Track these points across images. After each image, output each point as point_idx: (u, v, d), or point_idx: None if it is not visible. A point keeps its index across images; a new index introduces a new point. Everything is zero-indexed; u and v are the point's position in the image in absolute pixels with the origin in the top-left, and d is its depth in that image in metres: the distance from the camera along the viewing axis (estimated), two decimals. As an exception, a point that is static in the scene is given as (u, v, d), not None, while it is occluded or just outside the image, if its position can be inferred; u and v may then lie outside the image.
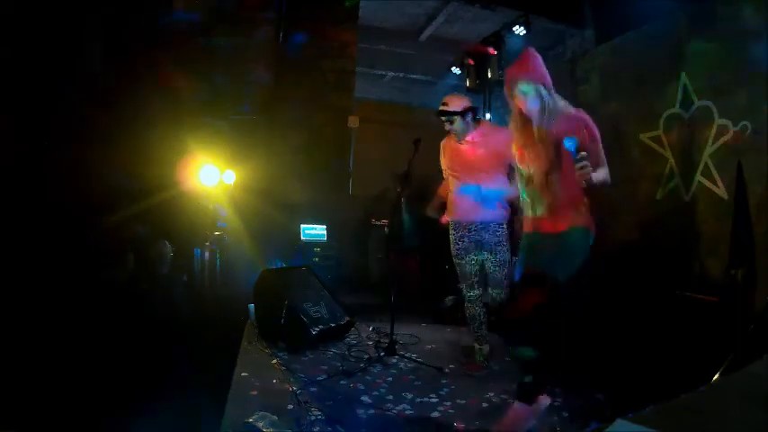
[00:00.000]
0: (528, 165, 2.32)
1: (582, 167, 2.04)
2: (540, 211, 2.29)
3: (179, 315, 3.70)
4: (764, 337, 2.73)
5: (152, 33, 4.32)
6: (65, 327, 2.91)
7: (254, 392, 2.69)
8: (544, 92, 2.26)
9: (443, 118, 3.19)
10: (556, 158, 2.21)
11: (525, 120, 2.34)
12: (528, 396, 2.24)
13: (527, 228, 2.41)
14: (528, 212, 2.37)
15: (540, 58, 2.35)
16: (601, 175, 2.18)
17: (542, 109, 2.26)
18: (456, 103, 3.18)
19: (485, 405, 2.67)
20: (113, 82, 4.07)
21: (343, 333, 3.85)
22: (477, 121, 3.25)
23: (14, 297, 2.98)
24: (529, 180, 2.33)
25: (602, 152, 2.24)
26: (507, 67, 2.47)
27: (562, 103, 2.31)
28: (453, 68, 6.99)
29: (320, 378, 2.93)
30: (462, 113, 3.15)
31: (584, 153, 2.06)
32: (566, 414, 2.51)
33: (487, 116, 5.76)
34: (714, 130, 3.98)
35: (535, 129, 2.29)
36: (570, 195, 2.23)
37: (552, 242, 2.26)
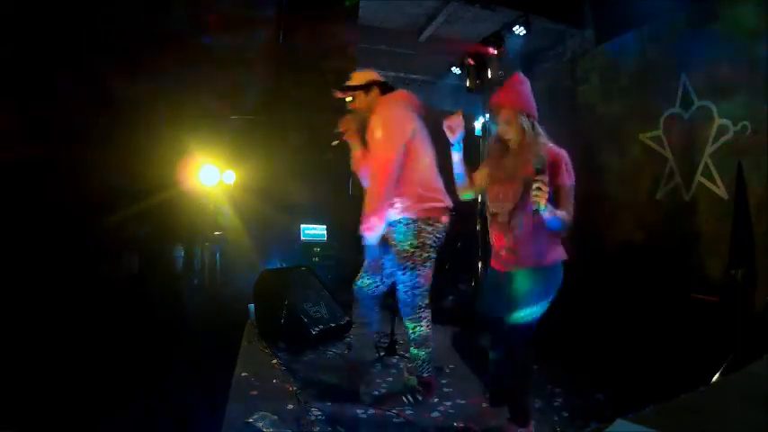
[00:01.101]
0: (494, 202, 2.25)
1: (537, 188, 1.89)
2: (510, 248, 2.19)
3: (181, 315, 3.71)
4: (764, 337, 2.73)
5: (152, 33, 4.32)
6: (65, 327, 2.91)
7: (254, 392, 2.69)
8: (527, 123, 2.16)
9: (346, 98, 2.80)
10: (522, 198, 2.10)
11: (502, 151, 2.28)
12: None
13: (491, 263, 2.35)
14: (496, 248, 2.29)
15: (527, 85, 2.24)
16: (559, 213, 2.01)
17: (520, 141, 2.17)
18: (359, 78, 2.79)
19: (485, 405, 2.67)
20: (113, 82, 4.07)
21: (343, 333, 3.85)
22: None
23: (14, 297, 2.99)
24: (494, 217, 2.26)
25: (570, 197, 2.09)
26: (494, 93, 2.33)
27: (543, 139, 2.16)
28: (453, 68, 6.98)
29: (320, 378, 2.92)
30: (365, 88, 2.75)
31: (543, 176, 1.92)
32: (566, 414, 2.51)
33: (487, 116, 5.75)
34: (714, 130, 3.98)
35: (508, 162, 2.22)
36: (535, 235, 2.12)
37: (508, 281, 2.20)
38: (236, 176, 4.37)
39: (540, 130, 2.18)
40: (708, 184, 4.03)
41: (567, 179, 2.10)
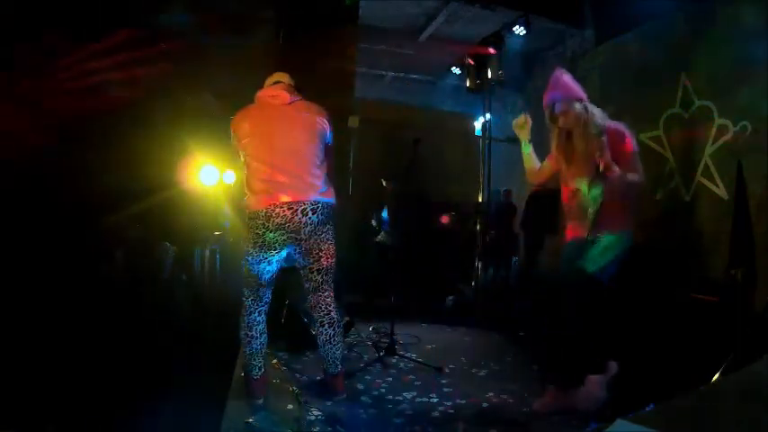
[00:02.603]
0: (574, 178, 2.54)
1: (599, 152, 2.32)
2: (585, 220, 2.49)
3: (180, 315, 3.70)
4: (764, 337, 2.73)
5: (152, 33, 4.32)
6: (64, 327, 2.91)
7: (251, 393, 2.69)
8: (579, 107, 2.48)
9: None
10: (596, 171, 2.35)
11: (566, 137, 2.56)
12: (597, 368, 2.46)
13: (570, 235, 2.65)
14: (577, 220, 2.59)
15: (569, 75, 2.57)
16: (629, 176, 2.37)
17: (581, 123, 2.48)
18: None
19: (485, 405, 2.67)
20: (113, 82, 4.07)
21: (343, 333, 3.85)
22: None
23: (14, 297, 2.99)
24: (576, 192, 2.55)
25: (635, 162, 2.44)
26: (544, 92, 2.63)
27: (599, 115, 2.51)
28: (453, 68, 6.99)
29: (320, 378, 2.92)
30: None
31: (603, 140, 2.38)
32: (566, 414, 2.51)
33: (487, 116, 5.75)
34: (714, 130, 3.98)
35: (578, 144, 2.50)
36: (612, 205, 2.41)
37: (591, 246, 2.48)
38: (236, 176, 4.37)
39: (592, 109, 2.52)
40: (708, 184, 4.03)
41: (628, 147, 2.44)
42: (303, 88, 2.76)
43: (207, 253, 4.16)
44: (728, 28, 3.83)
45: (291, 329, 3.49)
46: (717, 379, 2.46)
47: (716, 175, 3.96)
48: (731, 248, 3.34)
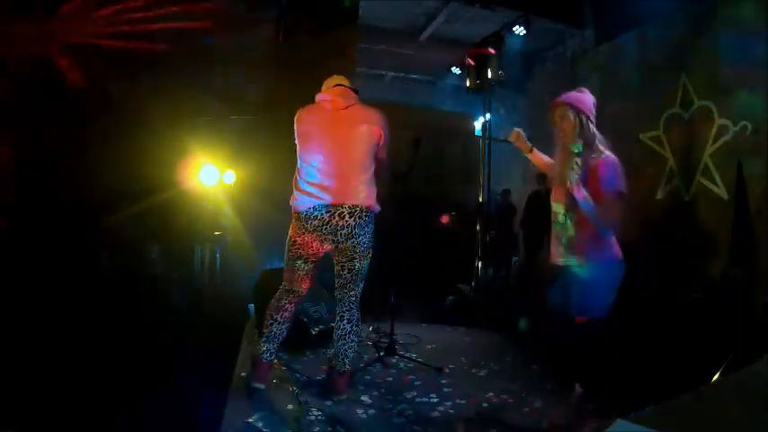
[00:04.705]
0: (556, 202, 2.41)
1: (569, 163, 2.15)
2: (565, 244, 2.35)
3: (181, 315, 3.70)
4: (764, 337, 2.73)
5: (152, 33, 4.32)
6: (64, 327, 2.91)
7: (255, 392, 2.69)
8: (576, 117, 2.34)
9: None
10: (571, 196, 2.23)
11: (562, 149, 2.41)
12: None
13: (553, 260, 2.49)
14: (554, 245, 2.45)
15: (586, 92, 2.49)
16: (596, 207, 2.19)
17: (569, 134, 2.32)
18: None
19: (485, 405, 2.67)
20: (114, 82, 4.07)
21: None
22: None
23: (13, 297, 2.99)
24: (555, 216, 2.41)
25: (611, 207, 2.24)
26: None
27: (596, 138, 2.33)
28: (453, 68, 6.98)
29: (320, 378, 2.92)
30: None
31: (577, 158, 2.17)
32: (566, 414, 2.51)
33: (487, 116, 5.75)
34: (714, 130, 3.98)
35: (559, 159, 2.37)
36: (590, 233, 2.27)
37: (572, 275, 2.35)
38: (236, 176, 4.37)
39: (592, 129, 2.34)
40: (708, 184, 4.03)
41: (606, 185, 2.21)
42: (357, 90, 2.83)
43: (207, 253, 4.16)
44: (728, 28, 3.83)
45: (291, 329, 3.48)
46: (717, 379, 2.46)
47: (716, 175, 3.96)
48: (731, 248, 3.35)
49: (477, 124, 6.15)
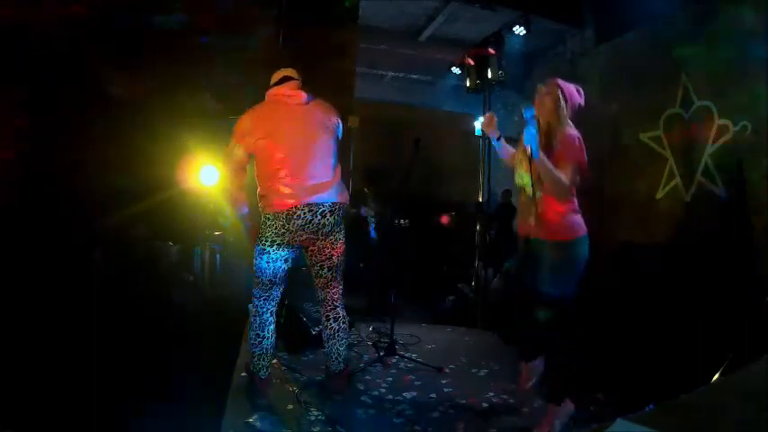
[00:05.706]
0: (521, 175, 2.39)
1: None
2: (532, 220, 2.32)
3: (181, 315, 3.70)
4: (764, 337, 2.73)
5: (152, 33, 4.32)
6: (63, 327, 2.91)
7: (255, 392, 2.69)
8: (558, 98, 2.34)
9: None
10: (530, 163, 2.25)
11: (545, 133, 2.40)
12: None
13: (521, 233, 2.46)
14: (523, 217, 2.43)
15: (581, 95, 2.44)
16: (555, 170, 2.19)
17: (555, 111, 2.33)
18: None
19: (485, 405, 2.67)
20: (114, 82, 4.07)
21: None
22: None
23: (13, 296, 2.99)
24: (521, 190, 2.41)
25: (569, 166, 2.24)
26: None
27: (569, 123, 2.34)
28: (453, 68, 6.98)
29: (320, 378, 2.92)
30: None
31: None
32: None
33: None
34: (714, 130, 3.98)
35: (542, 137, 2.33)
36: (557, 209, 2.29)
37: (543, 252, 2.33)
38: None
39: (568, 115, 2.35)
40: (708, 184, 4.03)
41: (566, 153, 2.26)
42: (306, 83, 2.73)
43: (207, 253, 4.16)
44: (728, 28, 3.83)
45: (291, 329, 3.49)
46: (717, 379, 2.46)
47: (716, 175, 3.95)
48: (730, 248, 3.35)
49: (477, 124, 6.15)
